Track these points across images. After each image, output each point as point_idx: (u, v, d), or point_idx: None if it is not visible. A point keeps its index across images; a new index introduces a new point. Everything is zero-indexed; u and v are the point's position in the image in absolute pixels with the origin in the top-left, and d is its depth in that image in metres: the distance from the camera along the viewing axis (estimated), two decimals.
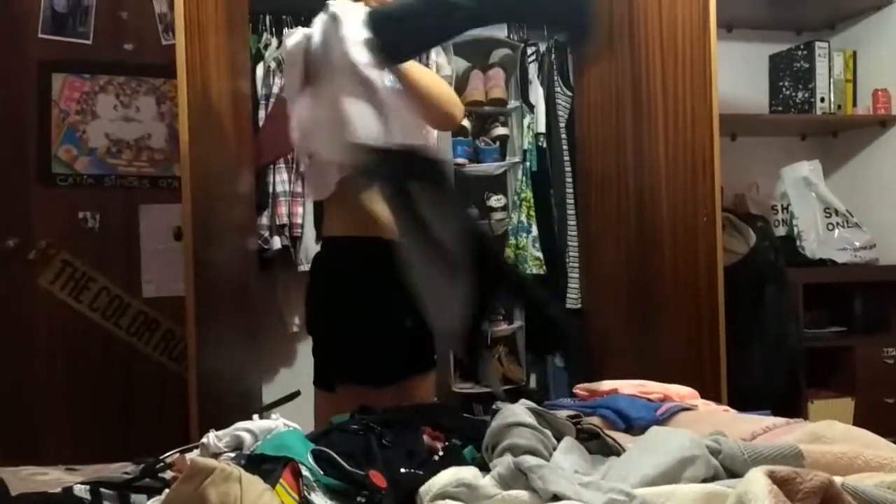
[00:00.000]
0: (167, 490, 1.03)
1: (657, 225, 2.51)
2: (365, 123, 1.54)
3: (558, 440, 1.11)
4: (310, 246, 2.80)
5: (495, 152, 3.13)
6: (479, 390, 3.05)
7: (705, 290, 2.31)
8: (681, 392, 1.61)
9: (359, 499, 0.98)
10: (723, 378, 2.26)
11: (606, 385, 1.65)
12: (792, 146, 3.35)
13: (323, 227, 2.03)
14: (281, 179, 2.80)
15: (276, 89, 2.77)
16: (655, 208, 2.52)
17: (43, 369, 2.75)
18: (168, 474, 1.18)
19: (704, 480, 0.95)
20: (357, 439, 1.15)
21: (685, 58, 2.38)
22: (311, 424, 1.70)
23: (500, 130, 3.14)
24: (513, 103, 3.16)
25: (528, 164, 3.09)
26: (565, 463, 1.02)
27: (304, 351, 3.02)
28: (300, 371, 2.99)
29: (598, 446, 1.17)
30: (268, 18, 2.86)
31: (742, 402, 1.81)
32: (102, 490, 1.11)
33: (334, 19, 1.65)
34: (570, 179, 3.07)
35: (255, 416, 1.28)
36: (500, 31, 3.12)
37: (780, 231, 3.14)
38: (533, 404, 1.22)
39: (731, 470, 0.98)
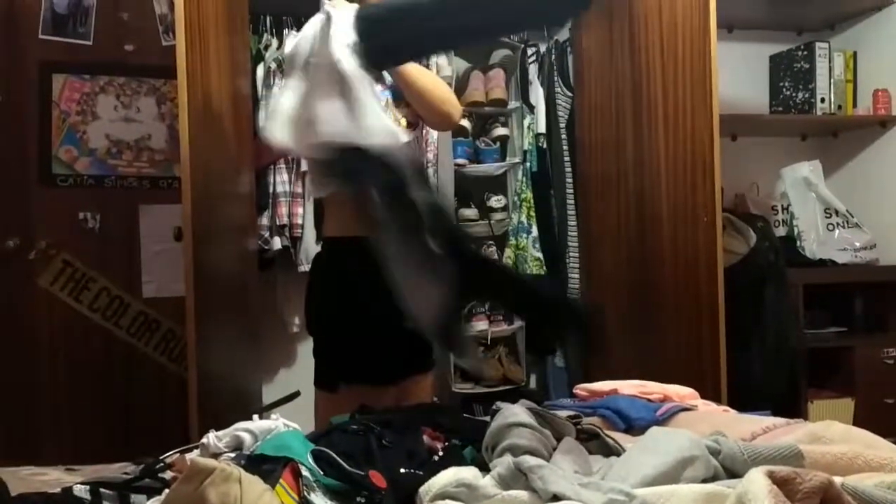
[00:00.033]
0: (167, 490, 1.03)
1: (657, 225, 2.51)
2: (333, 122, 1.53)
3: (558, 440, 1.11)
4: (310, 246, 2.81)
5: (495, 153, 3.13)
6: (480, 390, 3.05)
7: (705, 291, 2.31)
8: (681, 392, 1.61)
9: (358, 499, 0.98)
10: (723, 378, 2.26)
11: (606, 385, 1.65)
12: (792, 146, 3.35)
13: (323, 228, 2.03)
14: (281, 180, 2.80)
15: (276, 90, 2.77)
16: (655, 208, 2.52)
17: (43, 370, 2.75)
18: (168, 474, 1.18)
19: (704, 481, 0.95)
20: (357, 439, 1.15)
21: (685, 58, 2.38)
22: (310, 425, 1.70)
23: (501, 131, 3.14)
24: (513, 104, 3.16)
25: (528, 164, 3.09)
26: (565, 463, 1.02)
27: (304, 351, 3.02)
28: (300, 371, 2.99)
29: (598, 446, 1.17)
30: (268, 19, 2.86)
31: (742, 402, 1.81)
32: (102, 490, 1.11)
33: (327, 19, 1.65)
34: (570, 180, 3.07)
35: (255, 417, 1.28)
36: None
37: (781, 231, 3.13)
38: (533, 404, 1.22)
39: (731, 470, 0.98)
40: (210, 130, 2.18)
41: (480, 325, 3.05)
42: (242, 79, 2.57)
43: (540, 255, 3.02)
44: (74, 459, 1.50)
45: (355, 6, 1.67)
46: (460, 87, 3.04)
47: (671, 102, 2.44)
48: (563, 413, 1.30)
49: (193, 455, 1.21)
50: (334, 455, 1.04)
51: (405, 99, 1.92)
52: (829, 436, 1.09)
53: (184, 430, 1.93)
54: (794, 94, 3.19)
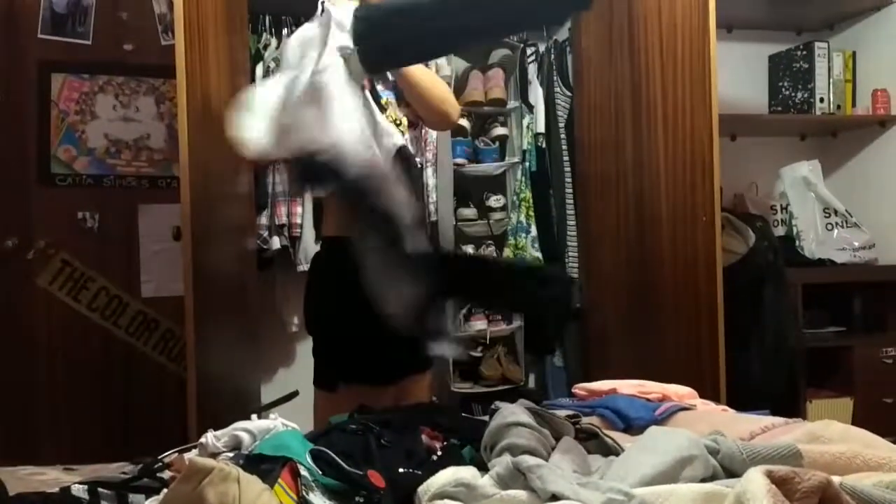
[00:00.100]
0: (165, 490, 1.03)
1: (656, 225, 2.51)
2: (309, 129, 1.54)
3: (557, 440, 1.11)
4: (309, 246, 2.80)
5: (494, 152, 3.13)
6: (478, 390, 3.05)
7: (704, 290, 2.31)
8: (679, 392, 1.61)
9: (357, 499, 0.98)
10: (722, 378, 2.26)
11: (605, 385, 1.65)
12: (791, 146, 3.35)
13: (322, 227, 2.03)
14: (280, 179, 2.80)
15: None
16: (655, 208, 2.52)
17: (42, 369, 2.75)
18: (166, 474, 1.18)
19: (703, 480, 0.95)
20: (355, 439, 1.15)
21: (685, 58, 2.38)
22: (309, 424, 1.70)
23: (500, 131, 3.14)
24: (512, 103, 3.16)
25: (527, 164, 3.09)
26: (564, 463, 1.02)
27: (303, 351, 3.02)
28: (299, 371, 2.99)
29: (597, 446, 1.17)
30: (267, 19, 2.86)
31: (741, 401, 1.81)
32: (100, 490, 1.11)
33: (327, 18, 1.64)
34: (569, 180, 3.07)
35: (254, 416, 1.28)
36: None
37: (780, 231, 3.14)
38: (531, 404, 1.22)
39: (730, 469, 0.98)
40: (209, 130, 2.18)
41: (479, 324, 3.05)
42: (242, 78, 2.57)
43: (539, 254, 3.02)
44: (73, 459, 1.50)
45: (355, 5, 1.67)
46: (459, 86, 3.05)
47: (670, 102, 2.44)
48: (562, 412, 1.30)
49: (192, 455, 1.21)
50: (333, 455, 1.04)
51: (405, 99, 1.92)
52: (828, 435, 1.09)
53: (182, 430, 1.93)
54: (793, 94, 3.19)
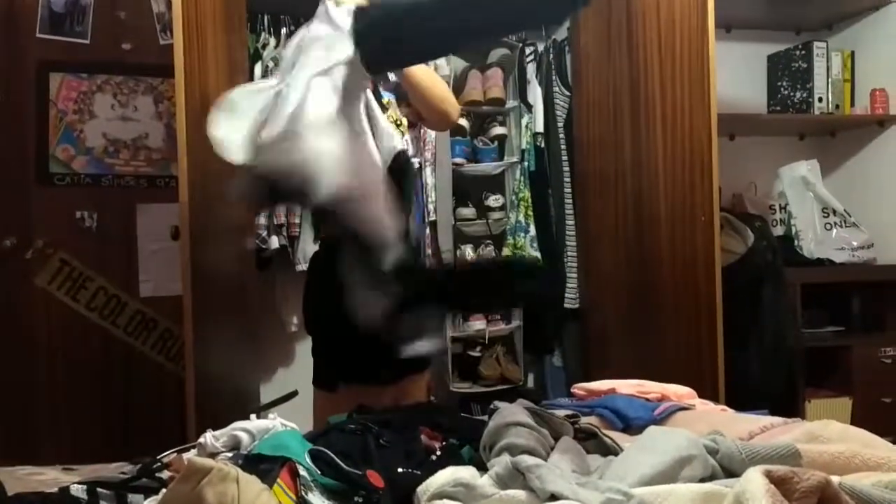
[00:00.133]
0: (164, 490, 1.03)
1: (655, 224, 2.51)
2: (282, 149, 1.56)
3: (556, 440, 1.11)
4: (307, 246, 2.80)
5: (493, 152, 3.13)
6: (477, 390, 3.05)
7: (703, 290, 2.32)
8: (679, 392, 1.61)
9: (356, 499, 0.98)
10: (720, 377, 2.26)
11: (604, 385, 1.65)
12: (790, 146, 3.35)
13: (321, 227, 2.03)
14: None
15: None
16: (653, 208, 2.52)
17: (41, 369, 2.75)
18: (165, 474, 1.18)
19: (702, 480, 0.95)
20: (355, 439, 1.15)
21: (683, 57, 2.38)
22: (308, 424, 1.70)
23: (499, 130, 3.14)
24: (511, 103, 3.16)
25: (526, 163, 3.09)
26: (563, 463, 1.02)
27: (302, 351, 3.02)
28: (298, 371, 2.99)
29: (596, 446, 1.17)
30: (266, 18, 2.86)
31: (740, 401, 1.81)
32: (99, 490, 1.11)
33: (326, 18, 1.64)
34: (568, 179, 3.07)
35: (253, 416, 1.28)
36: None
37: (778, 231, 3.14)
38: (530, 404, 1.22)
39: (729, 469, 0.98)
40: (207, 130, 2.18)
41: (478, 324, 3.05)
42: (240, 78, 2.57)
43: (538, 254, 3.02)
44: (72, 459, 1.50)
45: (358, 4, 1.66)
46: (458, 85, 3.04)
47: (669, 101, 2.44)
48: (561, 412, 1.30)
49: (191, 454, 1.21)
50: (332, 455, 1.04)
51: (406, 99, 1.92)
52: (827, 435, 1.09)
53: (181, 430, 1.93)
54: (791, 94, 3.20)
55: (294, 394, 2.50)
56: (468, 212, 3.09)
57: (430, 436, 1.22)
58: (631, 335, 2.67)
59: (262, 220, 2.79)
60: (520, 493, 0.92)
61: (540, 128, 3.08)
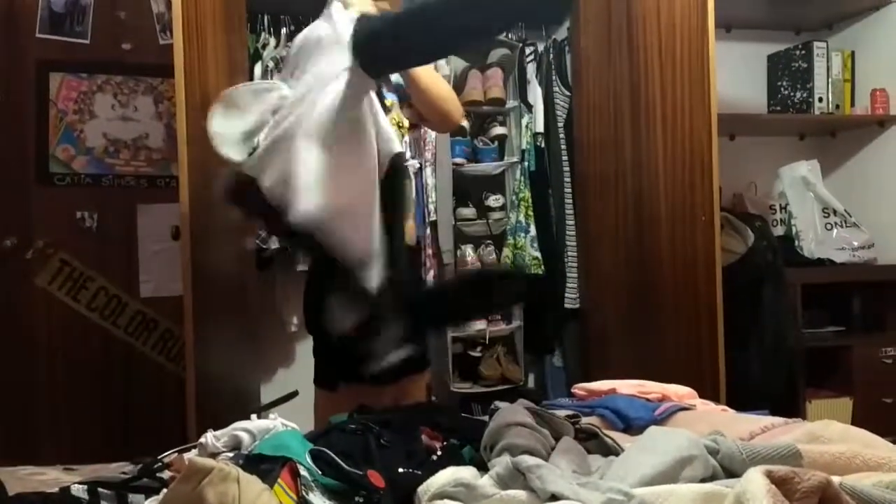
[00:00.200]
0: (165, 490, 1.03)
1: (656, 224, 2.51)
2: (268, 162, 1.59)
3: (556, 440, 1.11)
4: None
5: (493, 152, 3.13)
6: (478, 390, 3.05)
7: (704, 290, 2.32)
8: (679, 392, 1.61)
9: (357, 499, 0.98)
10: (721, 378, 2.26)
11: (605, 385, 1.65)
12: (790, 146, 3.35)
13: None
14: None
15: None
16: (654, 208, 2.52)
17: (41, 369, 2.75)
18: (166, 474, 1.18)
19: (703, 480, 0.95)
20: (355, 439, 1.15)
21: (683, 57, 2.38)
22: (309, 424, 1.70)
23: (499, 130, 3.14)
24: (511, 103, 3.16)
25: (526, 163, 3.09)
26: (563, 463, 1.02)
27: (303, 351, 3.02)
28: (298, 371, 2.99)
29: (597, 446, 1.17)
30: (266, 18, 2.86)
31: (740, 401, 1.81)
32: (100, 490, 1.11)
33: (331, 20, 1.65)
34: (568, 179, 3.07)
35: (254, 416, 1.28)
36: None
37: (779, 231, 3.14)
38: (531, 404, 1.22)
39: (730, 470, 0.98)
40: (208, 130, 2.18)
41: (478, 324, 3.05)
42: (240, 78, 2.57)
43: (538, 254, 3.02)
44: (72, 459, 1.50)
45: (363, 11, 1.67)
46: (458, 86, 3.04)
47: (669, 102, 2.44)
48: (562, 412, 1.30)
49: (191, 455, 1.21)
50: (333, 455, 1.04)
51: (409, 101, 1.92)
52: (828, 435, 1.09)
53: (182, 430, 1.93)
54: (792, 94, 3.20)
55: (294, 394, 2.51)
56: (468, 212, 3.09)
57: (431, 436, 1.22)
58: (631, 335, 2.67)
59: None
60: (520, 494, 0.92)
61: (540, 128, 3.08)
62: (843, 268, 2.98)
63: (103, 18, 2.82)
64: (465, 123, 3.08)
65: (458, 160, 3.03)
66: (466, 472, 1.00)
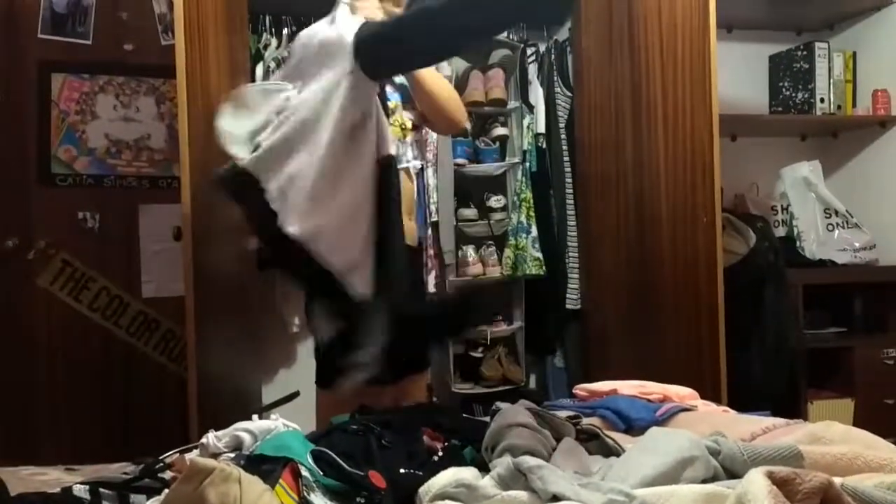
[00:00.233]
0: (166, 490, 1.03)
1: (657, 225, 2.51)
2: (266, 164, 1.61)
3: (558, 441, 1.11)
4: None
5: (495, 153, 3.13)
6: (479, 391, 3.05)
7: (705, 291, 2.31)
8: (680, 393, 1.61)
9: (358, 499, 0.99)
10: (722, 379, 2.26)
11: (606, 386, 1.65)
12: (792, 147, 3.35)
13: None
14: None
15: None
16: (655, 209, 2.52)
17: (42, 369, 2.75)
18: (167, 474, 1.18)
19: (704, 481, 0.95)
20: (356, 440, 1.15)
21: (685, 58, 2.38)
22: (310, 425, 1.70)
23: (500, 131, 3.13)
24: (512, 104, 3.16)
25: (527, 164, 3.09)
26: (564, 463, 1.02)
27: (304, 351, 3.02)
28: (300, 371, 2.98)
29: (598, 447, 1.17)
30: (267, 18, 2.86)
31: (742, 402, 1.81)
32: (102, 490, 1.11)
33: (336, 22, 1.66)
34: (569, 180, 3.07)
35: (255, 417, 1.28)
36: None
37: (780, 231, 3.13)
38: (532, 405, 1.22)
39: (731, 470, 0.98)
40: (209, 130, 2.18)
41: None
42: (242, 78, 2.57)
43: (539, 255, 3.02)
44: (73, 459, 1.50)
45: (374, 13, 1.68)
46: (460, 86, 3.04)
47: (671, 102, 2.44)
48: (563, 413, 1.30)
49: (193, 455, 1.21)
50: (334, 455, 1.04)
51: (412, 101, 1.93)
52: (829, 436, 1.09)
53: (183, 430, 1.93)
54: (793, 95, 3.19)
55: (296, 394, 2.50)
56: (470, 212, 3.08)
57: (432, 436, 1.22)
58: (633, 336, 2.67)
59: None
60: (521, 494, 0.92)
61: (541, 128, 3.08)
62: (845, 269, 2.97)
63: (105, 19, 2.82)
64: (466, 125, 3.08)
65: (460, 161, 3.02)
66: (468, 473, 1.00)
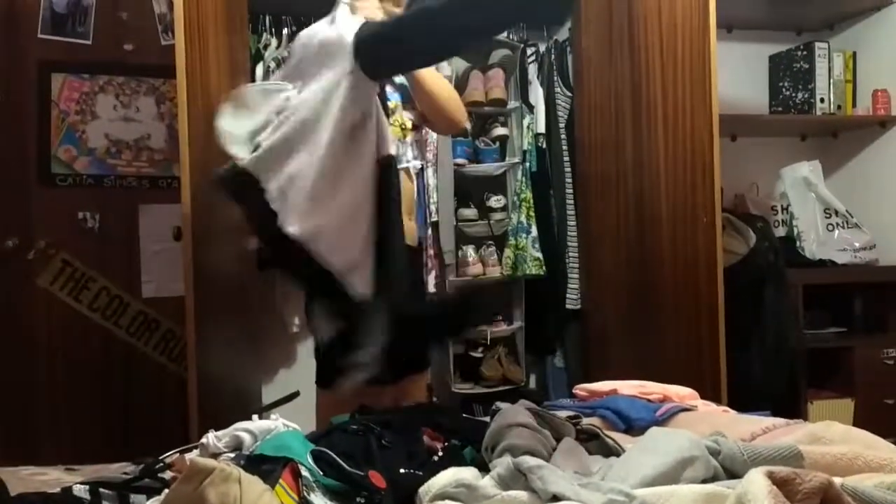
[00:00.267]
0: (167, 490, 1.03)
1: (657, 225, 2.51)
2: (267, 165, 1.62)
3: (558, 441, 1.11)
4: None
5: (495, 153, 3.13)
6: (479, 391, 3.05)
7: (705, 291, 2.31)
8: (680, 393, 1.61)
9: (358, 499, 0.99)
10: (722, 379, 2.26)
11: (606, 386, 1.65)
12: (792, 147, 3.35)
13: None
14: None
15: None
16: (655, 208, 2.52)
17: (42, 369, 2.75)
18: (167, 474, 1.18)
19: (704, 481, 0.95)
20: (356, 440, 1.15)
21: (685, 58, 2.38)
22: (310, 425, 1.70)
23: (500, 131, 3.13)
24: (512, 104, 3.16)
25: (527, 164, 3.09)
26: (565, 463, 1.02)
27: (304, 351, 3.02)
28: (300, 371, 2.98)
29: (598, 447, 1.17)
30: (267, 19, 2.86)
31: (742, 402, 1.81)
32: (102, 490, 1.11)
33: (337, 22, 1.67)
34: (569, 180, 3.07)
35: (255, 417, 1.28)
36: None
37: (780, 231, 3.13)
38: (532, 405, 1.22)
39: (731, 471, 0.98)
40: (209, 130, 2.18)
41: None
42: (242, 78, 2.57)
43: (539, 255, 3.02)
44: (73, 459, 1.50)
45: (374, 13, 1.68)
46: (460, 86, 3.04)
47: (671, 102, 2.44)
48: (563, 413, 1.30)
49: (193, 455, 1.21)
50: (334, 455, 1.04)
51: (412, 101, 1.93)
52: (829, 436, 1.09)
53: (183, 430, 1.93)
54: (793, 95, 3.19)
55: (296, 394, 2.50)
56: (470, 212, 3.08)
57: (432, 437, 1.22)
58: (633, 336, 2.67)
59: None
60: (521, 494, 0.92)
61: (541, 128, 3.08)
62: (845, 269, 2.98)
63: (105, 19, 2.82)
64: (466, 125, 3.08)
65: (460, 161, 3.03)
66: (468, 473, 1.00)
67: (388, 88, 1.90)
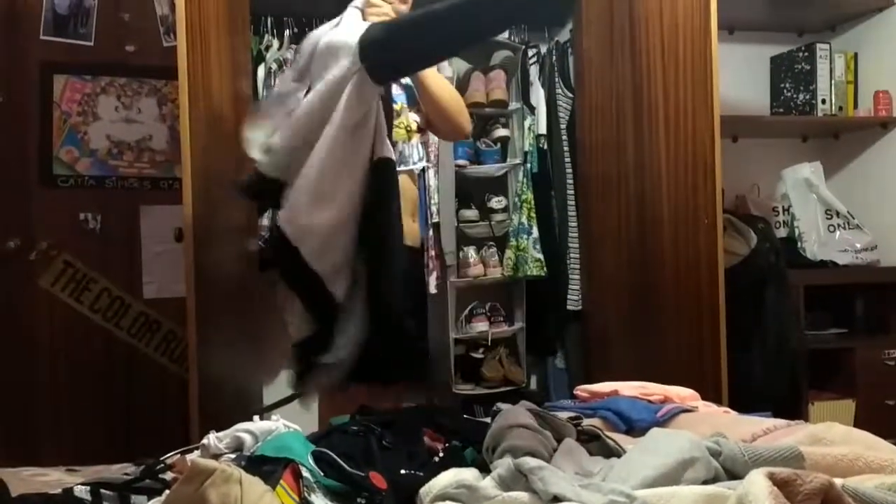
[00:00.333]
0: (167, 491, 1.03)
1: (658, 226, 2.51)
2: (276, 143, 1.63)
3: (559, 442, 1.11)
4: None
5: (496, 154, 3.13)
6: (480, 391, 3.05)
7: (706, 292, 2.31)
8: (681, 394, 1.61)
9: (359, 500, 0.99)
10: (723, 380, 2.25)
11: (607, 386, 1.65)
12: (793, 148, 3.35)
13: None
14: None
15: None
16: (656, 210, 2.52)
17: (43, 370, 2.75)
18: (168, 475, 1.18)
19: (705, 482, 0.95)
20: (357, 440, 1.15)
21: (686, 59, 2.38)
22: (311, 426, 1.70)
23: (501, 132, 3.14)
24: (514, 105, 3.16)
25: (528, 165, 3.09)
26: (565, 464, 1.02)
27: None
28: None
29: (599, 448, 1.17)
30: (269, 20, 2.86)
31: (743, 403, 1.81)
32: (103, 491, 1.11)
33: (344, 24, 1.68)
34: (570, 181, 3.07)
35: (256, 418, 1.28)
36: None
37: (782, 232, 3.13)
38: (533, 406, 1.22)
39: (732, 471, 0.98)
40: (211, 132, 2.18)
41: (481, 325, 3.05)
42: (243, 80, 2.58)
43: (541, 256, 3.02)
44: (75, 460, 1.50)
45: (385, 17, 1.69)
46: (461, 87, 3.04)
47: (672, 104, 2.44)
48: (564, 414, 1.30)
49: (194, 456, 1.21)
50: (335, 456, 1.04)
51: (418, 104, 1.93)
52: (830, 437, 1.09)
53: (184, 431, 1.93)
54: (794, 96, 3.19)
55: (297, 395, 2.51)
56: (471, 213, 3.09)
57: (433, 437, 1.22)
58: (634, 337, 2.67)
59: (266, 220, 2.79)
60: (522, 495, 0.92)
61: (543, 129, 3.09)
62: (846, 270, 2.97)
63: (107, 20, 2.82)
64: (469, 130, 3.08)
65: (461, 162, 3.03)
66: (468, 474, 1.01)
67: (395, 90, 1.90)
